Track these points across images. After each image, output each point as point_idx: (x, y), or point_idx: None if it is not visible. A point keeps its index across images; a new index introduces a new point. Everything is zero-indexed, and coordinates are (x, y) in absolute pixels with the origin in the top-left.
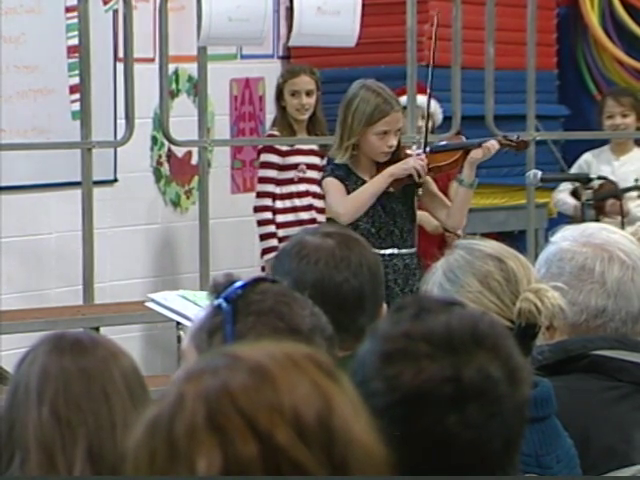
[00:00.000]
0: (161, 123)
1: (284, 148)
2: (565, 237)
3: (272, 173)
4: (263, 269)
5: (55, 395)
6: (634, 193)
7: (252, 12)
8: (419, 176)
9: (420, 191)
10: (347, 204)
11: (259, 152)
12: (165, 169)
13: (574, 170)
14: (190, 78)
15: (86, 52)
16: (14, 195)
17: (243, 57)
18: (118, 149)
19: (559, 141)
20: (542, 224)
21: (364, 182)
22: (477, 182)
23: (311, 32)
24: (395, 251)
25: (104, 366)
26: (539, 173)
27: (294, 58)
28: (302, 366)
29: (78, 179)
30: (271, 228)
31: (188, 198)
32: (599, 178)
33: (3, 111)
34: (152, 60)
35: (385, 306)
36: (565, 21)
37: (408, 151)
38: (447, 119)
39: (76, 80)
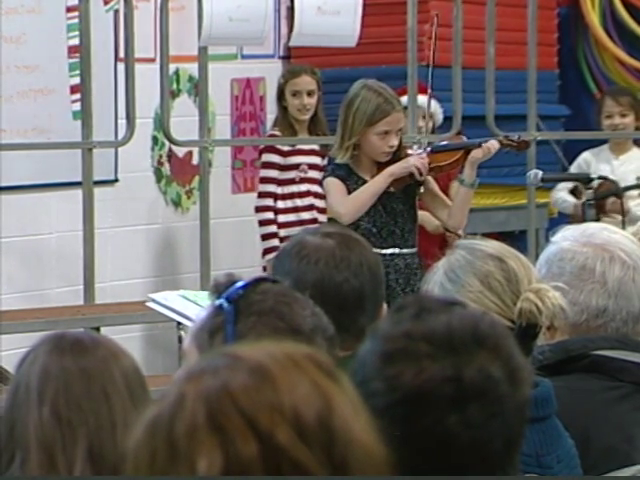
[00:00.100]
0: (162, 123)
1: (285, 148)
2: (566, 237)
3: (273, 173)
4: (264, 269)
5: (56, 395)
6: (634, 192)
7: (253, 12)
8: (420, 174)
9: (421, 189)
10: (348, 204)
11: (260, 152)
12: (166, 169)
13: (573, 169)
14: (191, 78)
15: (87, 52)
16: (15, 195)
17: (244, 57)
18: (119, 149)
19: (560, 141)
20: (543, 224)
21: (365, 182)
22: (478, 182)
23: (312, 32)
24: (396, 251)
25: (105, 366)
26: (540, 173)
27: (295, 58)
28: (302, 366)
29: (79, 179)
30: (272, 228)
31: (189, 198)
32: (600, 178)
33: (4, 111)
34: (153, 60)
35: (385, 306)
36: (566, 21)
37: (409, 151)
38: (448, 119)
39: (77, 80)
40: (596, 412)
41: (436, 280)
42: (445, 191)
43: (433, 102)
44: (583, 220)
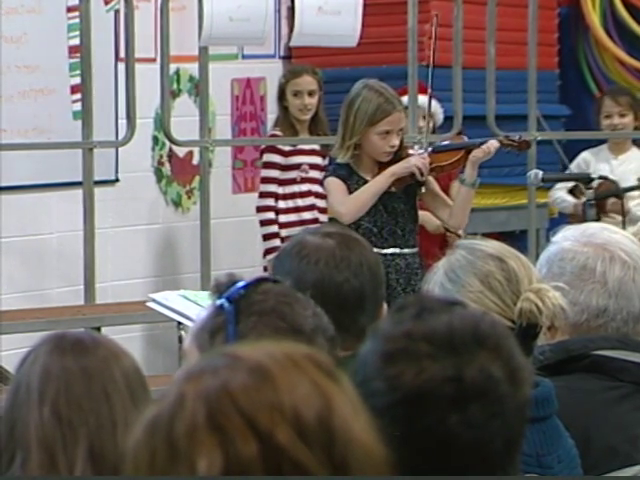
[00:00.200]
0: (162, 123)
1: (287, 148)
2: (566, 237)
3: (275, 173)
4: (265, 269)
5: (56, 395)
6: (635, 193)
7: (253, 12)
8: (421, 174)
9: (423, 189)
10: (349, 204)
11: (261, 152)
12: (166, 169)
13: (572, 168)
14: (191, 78)
15: (87, 52)
16: (15, 195)
17: (244, 57)
18: (119, 149)
19: (560, 141)
20: (543, 224)
21: (366, 182)
22: (479, 182)
23: (312, 32)
24: (397, 251)
25: (105, 366)
26: (540, 173)
27: (295, 58)
28: (302, 366)
29: (79, 179)
30: (274, 228)
31: (189, 198)
32: (600, 178)
33: (4, 111)
34: (153, 60)
35: (386, 306)
36: (566, 21)
37: (410, 151)
38: (448, 119)
39: (77, 80)
40: (596, 412)
41: (436, 280)
42: (446, 191)
43: (433, 102)
44: (583, 220)
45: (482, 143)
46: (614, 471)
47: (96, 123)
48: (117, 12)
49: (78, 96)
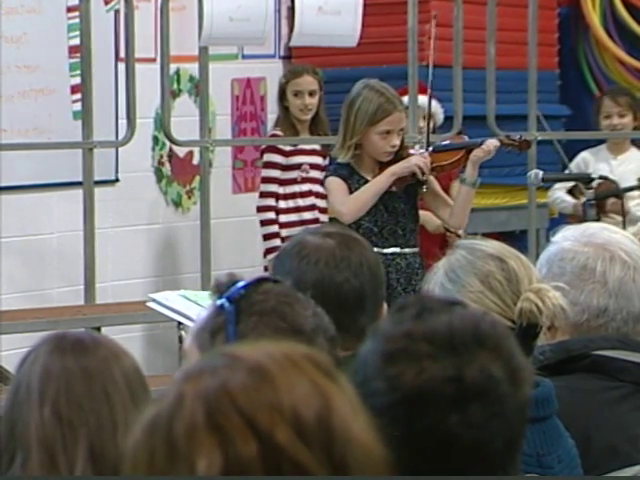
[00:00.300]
0: (162, 123)
1: (287, 148)
2: (566, 237)
3: (275, 173)
4: (266, 269)
5: (57, 395)
6: (635, 193)
7: (253, 12)
8: (422, 174)
9: (424, 188)
10: (349, 203)
11: (262, 152)
12: (166, 169)
13: (572, 168)
14: (191, 78)
15: (87, 52)
16: (15, 195)
17: (244, 57)
18: (119, 149)
19: (560, 141)
20: (543, 224)
21: (367, 181)
22: (480, 181)
23: (312, 32)
24: (398, 250)
25: (105, 366)
26: (540, 173)
27: (295, 58)
28: (301, 366)
29: (79, 179)
30: (274, 228)
31: (189, 198)
32: (600, 178)
33: (4, 111)
34: (153, 60)
35: (386, 306)
36: (566, 21)
37: (411, 151)
38: (448, 119)
39: (77, 80)
40: (597, 412)
41: (437, 280)
42: (446, 191)
43: (434, 102)
44: (583, 220)
45: (482, 142)
46: (614, 471)
47: (96, 123)
48: (117, 12)
49: (78, 96)
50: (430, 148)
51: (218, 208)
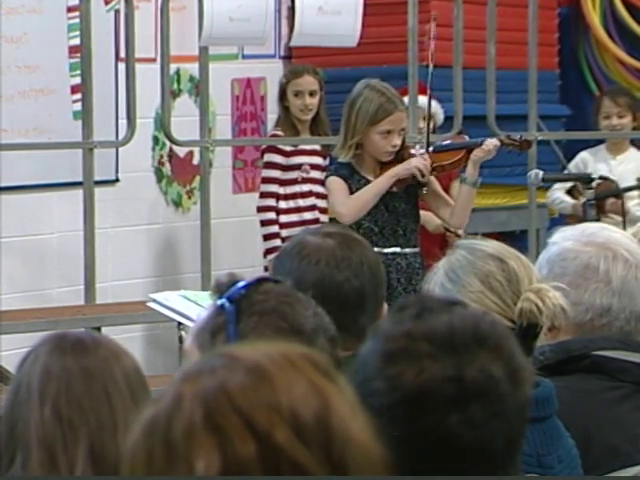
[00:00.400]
0: (162, 123)
1: (288, 148)
2: (566, 237)
3: (276, 173)
4: (266, 269)
5: (57, 395)
6: (634, 193)
7: (253, 12)
8: (422, 176)
9: (425, 190)
10: (350, 204)
11: (263, 152)
12: (167, 169)
13: (571, 168)
14: (192, 78)
15: (87, 52)
16: (15, 195)
17: (245, 57)
18: (120, 149)
19: (560, 141)
20: (543, 224)
21: (367, 181)
22: (480, 181)
23: (312, 32)
24: (398, 250)
25: (106, 366)
26: (540, 173)
27: (296, 58)
28: (299, 366)
29: (79, 179)
30: (274, 228)
31: (190, 198)
32: (600, 178)
33: (4, 111)
34: (154, 60)
35: (386, 306)
36: (566, 21)
37: (412, 151)
38: (449, 119)
39: (77, 80)
40: (597, 412)
41: (437, 280)
42: (446, 191)
43: (433, 102)
44: (583, 220)
45: (483, 142)
46: (615, 471)
47: (96, 123)
48: (117, 12)
49: (78, 96)
50: (430, 148)
51: (218, 208)
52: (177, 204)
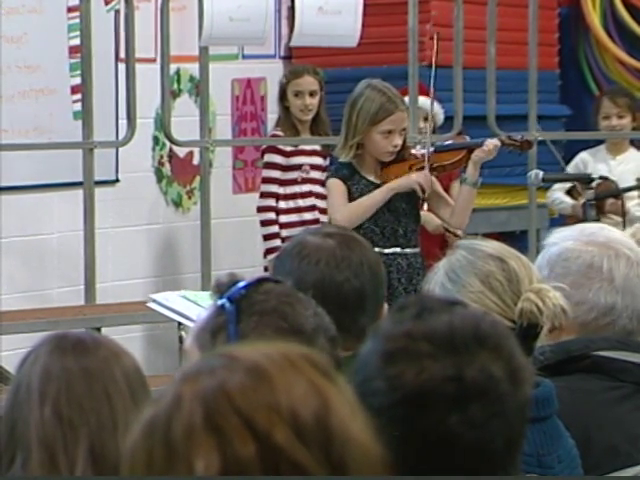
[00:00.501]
0: (163, 123)
1: (288, 149)
2: (566, 237)
3: (276, 174)
4: (266, 269)
5: (57, 395)
6: (634, 193)
7: (253, 12)
8: (423, 192)
9: (425, 206)
10: (344, 213)
11: (263, 152)
12: (167, 169)
13: (570, 169)
14: (192, 78)
15: (88, 52)
16: (16, 195)
17: (245, 57)
18: (120, 149)
19: (561, 141)
20: (544, 224)
21: (368, 181)
22: (481, 181)
23: (313, 32)
24: (399, 250)
25: (106, 366)
26: (540, 173)
27: (296, 58)
28: (299, 366)
29: (80, 179)
30: (274, 228)
31: (190, 198)
32: (600, 178)
33: (4, 111)
34: (154, 60)
35: (386, 306)
36: (566, 21)
37: (413, 151)
38: (449, 119)
39: (78, 80)
40: (597, 412)
41: (437, 280)
42: (447, 191)
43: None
44: (583, 220)
45: (483, 142)
46: (615, 471)
47: (96, 123)
48: (117, 12)
49: (78, 96)
50: (432, 148)
51: (218, 208)
52: (177, 204)
